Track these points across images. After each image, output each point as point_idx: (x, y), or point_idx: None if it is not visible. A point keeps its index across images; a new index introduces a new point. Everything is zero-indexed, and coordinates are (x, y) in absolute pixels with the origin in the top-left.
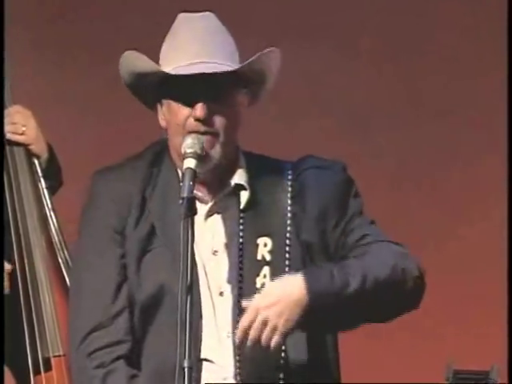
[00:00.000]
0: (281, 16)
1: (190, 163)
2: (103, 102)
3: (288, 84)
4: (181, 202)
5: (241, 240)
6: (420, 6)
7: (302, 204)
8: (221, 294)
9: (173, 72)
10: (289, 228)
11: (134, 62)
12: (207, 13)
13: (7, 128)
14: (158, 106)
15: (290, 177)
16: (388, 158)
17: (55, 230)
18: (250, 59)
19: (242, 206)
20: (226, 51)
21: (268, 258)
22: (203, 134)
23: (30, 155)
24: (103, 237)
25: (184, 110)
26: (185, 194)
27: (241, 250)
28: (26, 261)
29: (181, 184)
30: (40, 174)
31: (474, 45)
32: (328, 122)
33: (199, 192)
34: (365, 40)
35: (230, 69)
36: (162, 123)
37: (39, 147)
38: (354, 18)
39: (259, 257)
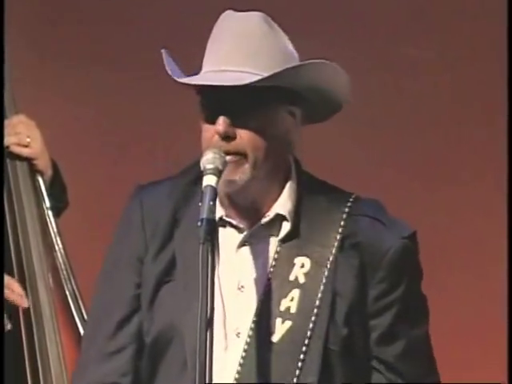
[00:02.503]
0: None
1: (210, 180)
2: (113, 111)
3: None
4: (199, 224)
5: (271, 270)
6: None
7: (348, 251)
8: (238, 335)
9: (186, 80)
10: (334, 252)
11: (165, 62)
12: (253, 13)
13: (10, 139)
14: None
15: (346, 209)
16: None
17: (61, 257)
18: (276, 71)
19: (280, 237)
20: (264, 59)
21: (302, 280)
22: (228, 153)
23: (33, 171)
24: (123, 262)
25: (210, 126)
26: (204, 215)
27: (268, 279)
28: (29, 294)
29: (199, 204)
30: (44, 193)
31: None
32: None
33: (233, 220)
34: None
35: (252, 79)
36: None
37: (43, 163)
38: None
39: (292, 277)
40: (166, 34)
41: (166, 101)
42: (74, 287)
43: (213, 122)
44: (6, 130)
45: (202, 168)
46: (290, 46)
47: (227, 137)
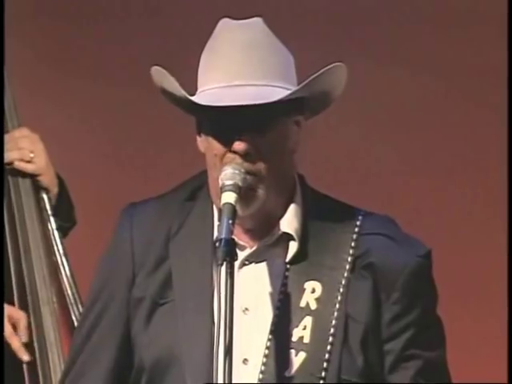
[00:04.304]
0: (345, 30)
1: (230, 198)
2: (122, 124)
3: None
4: (217, 244)
5: (281, 296)
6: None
7: (360, 272)
8: (244, 361)
9: (199, 100)
10: (346, 274)
11: (161, 80)
12: (254, 19)
13: (12, 155)
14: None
15: (356, 229)
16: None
17: (67, 280)
18: (308, 80)
19: (288, 259)
20: (277, 69)
21: (313, 306)
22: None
23: (37, 188)
24: (111, 288)
25: (221, 143)
26: (223, 235)
27: (278, 307)
28: (32, 320)
29: (216, 223)
30: (49, 211)
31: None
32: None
33: (236, 238)
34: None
35: (279, 97)
36: (201, 148)
37: (48, 179)
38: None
39: (303, 304)
40: (168, 43)
41: (175, 113)
42: (81, 311)
43: (226, 139)
44: (8, 145)
45: (220, 184)
46: (285, 48)
47: (246, 154)
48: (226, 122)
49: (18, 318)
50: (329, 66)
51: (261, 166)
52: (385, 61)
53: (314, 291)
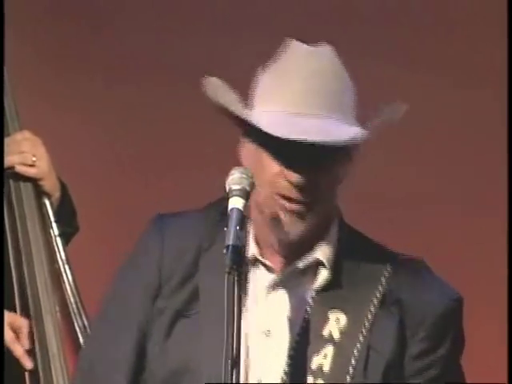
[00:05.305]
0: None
1: (237, 203)
2: (124, 128)
3: None
4: (225, 251)
5: (303, 323)
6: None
7: (389, 308)
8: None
9: (266, 125)
10: (373, 309)
11: (215, 93)
12: (325, 47)
13: (14, 159)
14: (243, 138)
15: (388, 268)
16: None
17: (70, 288)
18: (377, 123)
19: (316, 285)
20: (343, 102)
21: (336, 335)
22: (296, 202)
23: (39, 194)
24: (132, 300)
25: (275, 166)
26: (230, 242)
27: (299, 334)
28: (34, 329)
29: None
30: (51, 217)
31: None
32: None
33: (267, 260)
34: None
35: (348, 136)
36: (244, 162)
37: (50, 183)
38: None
39: (325, 332)
40: (169, 45)
41: (177, 115)
42: (85, 322)
43: (282, 163)
44: (9, 148)
45: (227, 189)
46: (349, 80)
47: (299, 185)
48: (288, 152)
49: (19, 325)
50: (396, 107)
51: (311, 196)
52: (386, 60)
53: (338, 321)
